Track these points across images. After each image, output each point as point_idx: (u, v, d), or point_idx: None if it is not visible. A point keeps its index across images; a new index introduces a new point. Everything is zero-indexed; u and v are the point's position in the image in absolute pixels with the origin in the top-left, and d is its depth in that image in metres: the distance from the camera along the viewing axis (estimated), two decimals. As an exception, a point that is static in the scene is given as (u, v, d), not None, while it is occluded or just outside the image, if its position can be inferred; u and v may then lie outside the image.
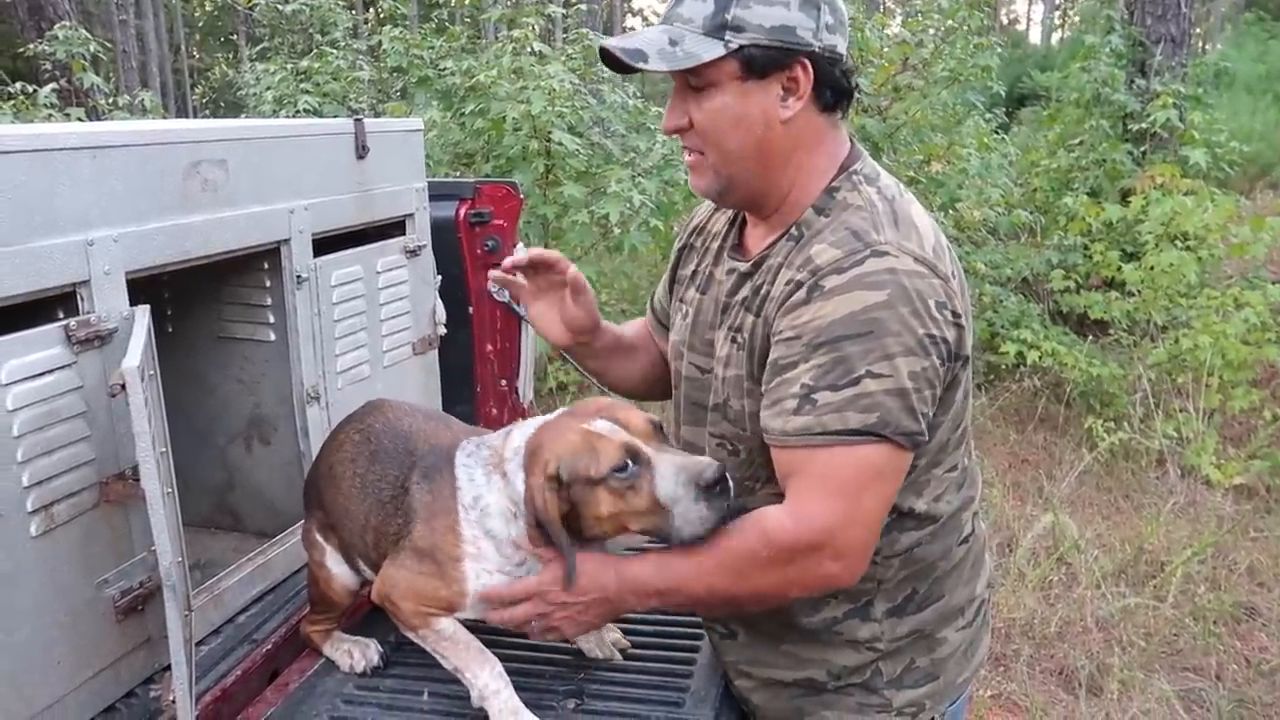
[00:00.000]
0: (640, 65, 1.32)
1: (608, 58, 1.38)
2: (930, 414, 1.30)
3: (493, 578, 1.47)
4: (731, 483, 1.32)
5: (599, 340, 1.72)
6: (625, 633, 1.73)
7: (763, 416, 1.34)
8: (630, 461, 1.32)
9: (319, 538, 1.75)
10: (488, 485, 1.47)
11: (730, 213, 1.58)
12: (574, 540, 1.36)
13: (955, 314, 1.31)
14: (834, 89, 1.38)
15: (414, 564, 1.51)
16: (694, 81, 1.34)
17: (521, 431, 1.47)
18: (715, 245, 1.57)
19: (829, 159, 1.41)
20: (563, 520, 1.36)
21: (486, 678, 1.49)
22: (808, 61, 1.33)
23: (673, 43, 1.31)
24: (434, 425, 1.65)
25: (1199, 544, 3.93)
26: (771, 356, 1.33)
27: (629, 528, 1.36)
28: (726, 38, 1.30)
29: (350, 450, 1.69)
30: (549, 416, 1.49)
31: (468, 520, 1.47)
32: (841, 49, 1.37)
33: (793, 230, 1.39)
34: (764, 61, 1.32)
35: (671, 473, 1.31)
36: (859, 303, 1.25)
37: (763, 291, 1.39)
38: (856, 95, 1.48)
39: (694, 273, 1.60)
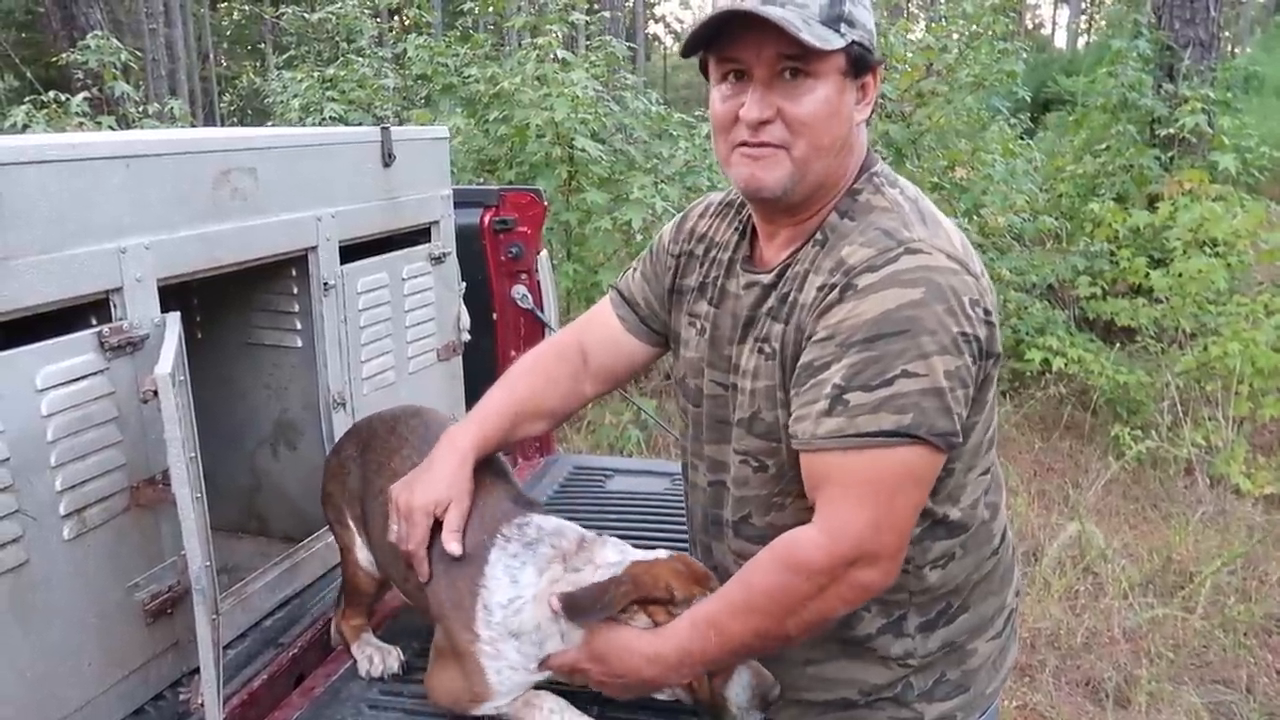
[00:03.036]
0: (795, 33, 1.24)
1: (718, 23, 1.29)
2: (964, 414, 1.28)
3: (516, 674, 1.47)
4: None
5: (506, 444, 1.69)
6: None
7: (791, 421, 1.32)
8: None
9: (351, 524, 1.77)
10: (538, 582, 1.45)
11: (739, 221, 1.54)
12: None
13: (987, 311, 1.29)
14: (876, 102, 1.41)
15: (439, 666, 1.54)
16: (800, 68, 1.29)
17: (614, 552, 1.48)
18: (725, 257, 1.53)
19: (855, 164, 1.41)
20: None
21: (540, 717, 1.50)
22: (878, 70, 1.37)
23: (805, 23, 1.26)
24: (487, 485, 1.60)
25: (1228, 554, 3.87)
26: (803, 359, 1.30)
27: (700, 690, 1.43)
28: (842, 30, 1.29)
29: (401, 461, 1.70)
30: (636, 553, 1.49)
31: (487, 622, 1.45)
32: None
33: (817, 235, 1.37)
34: (861, 62, 1.32)
35: (747, 679, 1.40)
36: (894, 301, 1.23)
37: (790, 299, 1.37)
38: (881, 101, 1.48)
39: (703, 284, 1.55)
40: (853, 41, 1.29)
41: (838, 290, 1.28)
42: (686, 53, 1.37)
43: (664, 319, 1.65)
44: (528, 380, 1.70)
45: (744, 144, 1.34)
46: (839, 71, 1.31)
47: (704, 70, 1.40)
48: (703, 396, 1.53)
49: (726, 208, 1.59)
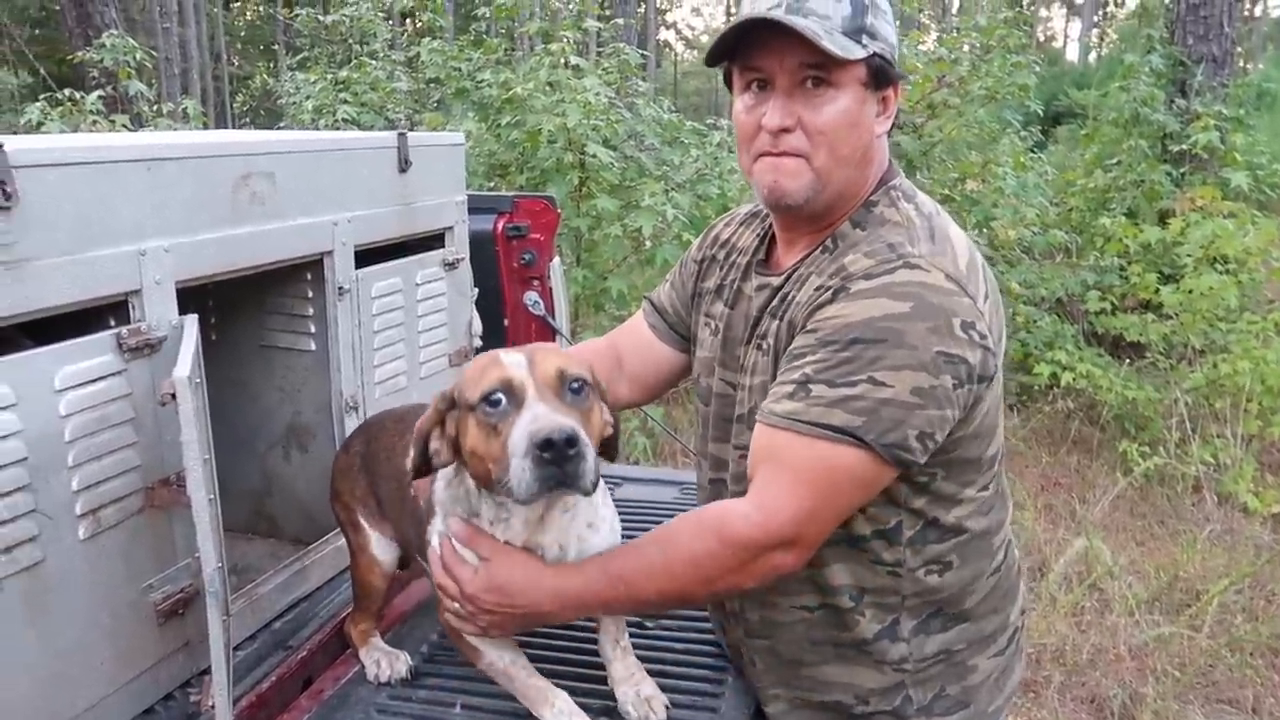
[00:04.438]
0: (818, 40, 1.26)
1: (741, 32, 1.32)
2: (935, 435, 1.29)
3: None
4: (575, 454, 1.17)
5: None
6: (655, 654, 1.74)
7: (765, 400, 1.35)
8: (503, 397, 1.25)
9: (362, 522, 1.78)
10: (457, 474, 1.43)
11: (761, 229, 1.58)
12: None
13: (982, 335, 1.29)
14: (897, 114, 1.44)
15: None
16: (821, 78, 1.31)
17: None
18: (744, 261, 1.57)
19: (874, 176, 1.43)
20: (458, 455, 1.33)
21: (549, 716, 1.49)
22: (898, 83, 1.39)
23: (828, 33, 1.29)
24: None
25: (1236, 573, 3.86)
26: (789, 348, 1.35)
27: (491, 475, 1.26)
28: (864, 41, 1.31)
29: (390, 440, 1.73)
30: None
31: (441, 516, 1.46)
32: None
33: (827, 243, 1.40)
34: (882, 74, 1.35)
35: (526, 421, 1.22)
36: (881, 309, 1.25)
37: (790, 297, 1.40)
38: None
39: (720, 286, 1.60)
40: (874, 53, 1.31)
41: (831, 292, 1.31)
42: (711, 61, 1.39)
43: (690, 325, 1.69)
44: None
45: (766, 154, 1.36)
46: (859, 82, 1.33)
47: (728, 81, 1.42)
48: (712, 395, 1.57)
49: (752, 217, 1.63)
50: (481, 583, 1.37)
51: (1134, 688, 3.26)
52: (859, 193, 1.41)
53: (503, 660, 1.53)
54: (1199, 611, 3.64)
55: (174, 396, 1.36)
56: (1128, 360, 6.20)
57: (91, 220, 1.43)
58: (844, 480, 1.28)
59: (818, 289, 1.34)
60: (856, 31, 1.31)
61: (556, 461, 1.18)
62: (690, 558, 1.31)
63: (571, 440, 1.18)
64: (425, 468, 1.37)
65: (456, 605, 1.41)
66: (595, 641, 1.61)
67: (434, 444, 1.36)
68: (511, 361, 1.29)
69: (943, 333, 1.25)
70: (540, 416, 1.21)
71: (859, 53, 1.30)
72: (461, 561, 1.40)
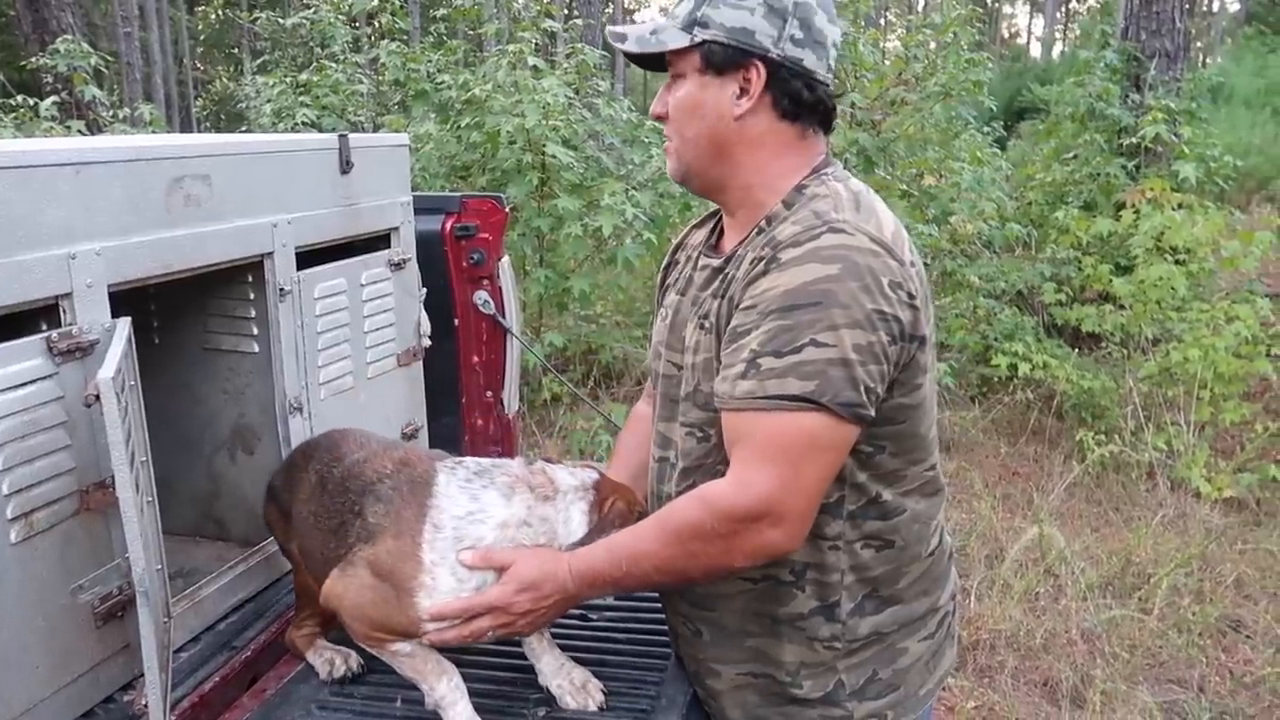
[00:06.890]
0: (618, 45, 1.51)
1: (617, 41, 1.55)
2: (878, 390, 1.33)
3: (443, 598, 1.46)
4: None
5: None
6: (597, 644, 1.77)
7: (715, 382, 1.38)
8: None
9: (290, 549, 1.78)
10: (504, 504, 1.49)
11: (711, 223, 1.65)
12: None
13: (910, 295, 1.34)
14: (793, 99, 1.44)
15: (368, 581, 1.48)
16: (671, 71, 1.49)
17: (568, 474, 1.55)
18: (695, 254, 1.63)
19: (799, 165, 1.47)
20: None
21: (444, 689, 1.51)
22: (761, 65, 1.41)
23: (653, 32, 1.46)
24: (390, 452, 1.65)
25: (1184, 555, 3.94)
26: (730, 326, 1.39)
27: None
28: (694, 32, 1.43)
29: (306, 490, 1.70)
30: (570, 468, 1.59)
31: (431, 543, 1.46)
32: (810, 64, 1.42)
33: (761, 223, 1.46)
34: (720, 58, 1.43)
35: None
36: (811, 274, 1.30)
37: (729, 276, 1.46)
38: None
39: (676, 280, 1.66)
40: (703, 41, 1.42)
41: (764, 263, 1.36)
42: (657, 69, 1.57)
43: None
44: (630, 438, 1.84)
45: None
46: (696, 69, 1.45)
47: None
48: (659, 378, 1.61)
49: (707, 217, 1.70)
50: (511, 588, 1.42)
51: (1085, 670, 3.33)
52: (767, 183, 1.46)
53: (409, 646, 1.54)
54: (1149, 594, 3.72)
55: (99, 398, 1.36)
56: (1087, 350, 6.30)
57: (18, 224, 1.44)
58: (811, 447, 1.31)
59: (751, 262, 1.39)
60: (690, 25, 1.43)
61: None
62: (679, 530, 1.36)
63: None
64: None
65: (492, 634, 1.46)
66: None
67: None
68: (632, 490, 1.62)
69: (873, 291, 1.30)
70: None
71: (679, 43, 1.43)
72: (475, 592, 1.45)
